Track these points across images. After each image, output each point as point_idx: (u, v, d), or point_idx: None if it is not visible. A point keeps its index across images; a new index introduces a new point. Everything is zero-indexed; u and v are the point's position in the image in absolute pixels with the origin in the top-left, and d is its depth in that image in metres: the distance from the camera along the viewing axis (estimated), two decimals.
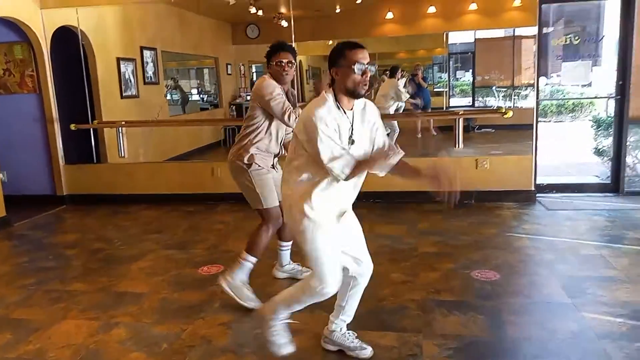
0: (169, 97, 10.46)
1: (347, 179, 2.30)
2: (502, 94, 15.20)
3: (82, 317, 3.28)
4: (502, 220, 5.04)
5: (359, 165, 2.30)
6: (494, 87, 15.06)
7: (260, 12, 9.24)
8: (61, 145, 6.37)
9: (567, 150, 8.67)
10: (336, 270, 2.42)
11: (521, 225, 4.87)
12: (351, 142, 2.33)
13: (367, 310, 3.17)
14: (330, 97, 2.31)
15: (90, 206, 6.24)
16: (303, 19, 11.33)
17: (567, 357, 2.64)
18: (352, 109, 2.37)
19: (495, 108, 8.33)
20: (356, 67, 2.25)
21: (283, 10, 9.94)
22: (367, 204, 5.51)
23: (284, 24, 10.58)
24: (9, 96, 6.25)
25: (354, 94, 2.31)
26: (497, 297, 3.35)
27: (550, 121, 12.40)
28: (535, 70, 5.36)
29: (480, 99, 15.26)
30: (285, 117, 3.18)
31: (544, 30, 6.01)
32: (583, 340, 2.79)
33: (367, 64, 2.28)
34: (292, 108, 3.20)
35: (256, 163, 3.28)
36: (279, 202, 3.26)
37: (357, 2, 9.60)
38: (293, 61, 3.24)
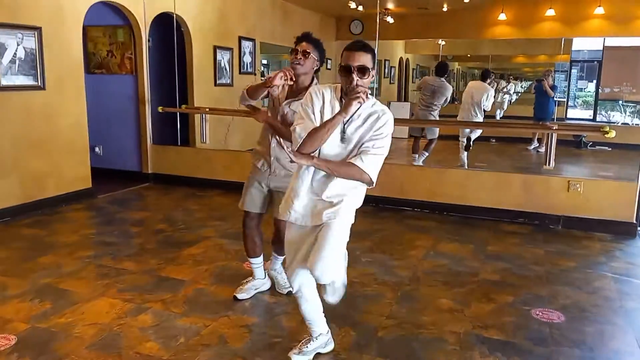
0: None
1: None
2: (631, 110, 13.70)
3: (118, 296, 3.34)
4: (588, 253, 4.44)
5: (307, 136, 2.19)
6: (620, 101, 13.63)
7: (360, 8, 9.04)
8: (150, 126, 6.68)
9: None
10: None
11: (609, 262, 4.26)
12: (342, 138, 2.23)
13: (399, 336, 2.91)
14: (337, 87, 2.30)
15: (171, 186, 6.49)
16: (409, 17, 10.99)
17: None
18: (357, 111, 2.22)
19: (598, 125, 7.40)
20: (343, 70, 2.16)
21: (389, 6, 9.68)
22: (438, 216, 5.13)
23: (390, 20, 10.34)
24: (109, 76, 6.66)
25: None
26: (553, 343, 2.91)
27: None
28: None
29: (603, 113, 13.88)
30: None
31: None
32: None
33: (355, 68, 2.13)
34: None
35: None
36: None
37: (465, 1, 9.05)
38: (308, 51, 2.89)
